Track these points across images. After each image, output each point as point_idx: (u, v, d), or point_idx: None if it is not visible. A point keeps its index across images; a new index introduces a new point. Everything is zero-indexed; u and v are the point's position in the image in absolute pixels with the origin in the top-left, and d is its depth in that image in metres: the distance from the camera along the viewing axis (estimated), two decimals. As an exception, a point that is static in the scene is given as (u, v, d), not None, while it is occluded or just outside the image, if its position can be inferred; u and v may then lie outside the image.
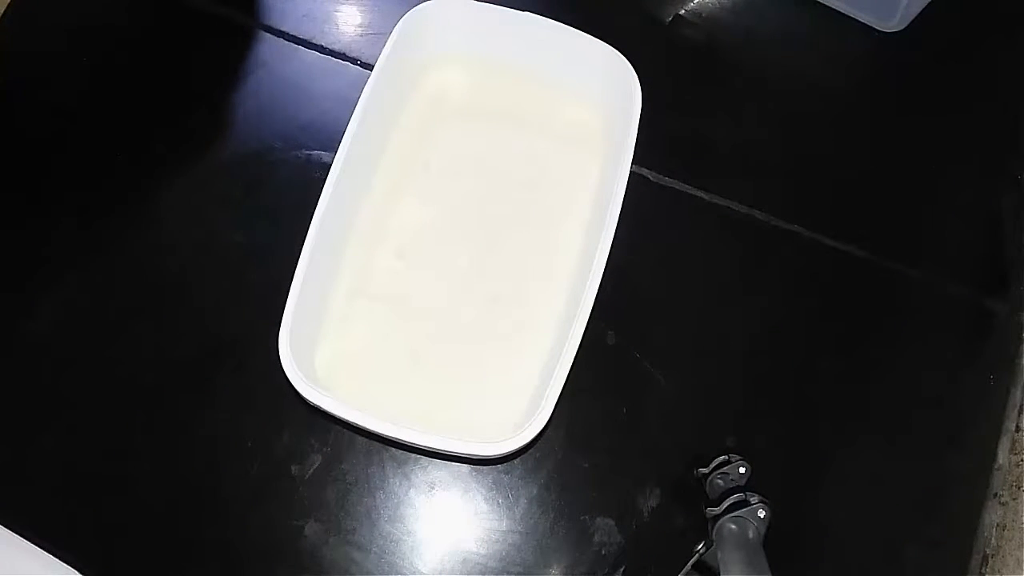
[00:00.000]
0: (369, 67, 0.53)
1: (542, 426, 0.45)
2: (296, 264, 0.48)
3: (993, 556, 0.52)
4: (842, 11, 0.64)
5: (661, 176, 0.60)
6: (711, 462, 0.51)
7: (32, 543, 0.48)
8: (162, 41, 0.63)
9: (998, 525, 0.53)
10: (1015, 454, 0.54)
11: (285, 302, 0.47)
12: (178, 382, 0.54)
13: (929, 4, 0.61)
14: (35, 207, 0.58)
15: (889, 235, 0.59)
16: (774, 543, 0.47)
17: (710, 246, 0.58)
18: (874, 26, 0.64)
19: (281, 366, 0.46)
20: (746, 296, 0.57)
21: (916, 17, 0.62)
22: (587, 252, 0.52)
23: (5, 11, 0.64)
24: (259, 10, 0.64)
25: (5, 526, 0.48)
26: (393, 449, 0.52)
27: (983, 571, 0.52)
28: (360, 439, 0.52)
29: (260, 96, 0.61)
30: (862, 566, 0.52)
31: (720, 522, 0.47)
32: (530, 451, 0.52)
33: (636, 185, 0.51)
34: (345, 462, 0.52)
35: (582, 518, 0.51)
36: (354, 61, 0.62)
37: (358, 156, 0.52)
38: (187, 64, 0.62)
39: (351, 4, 0.65)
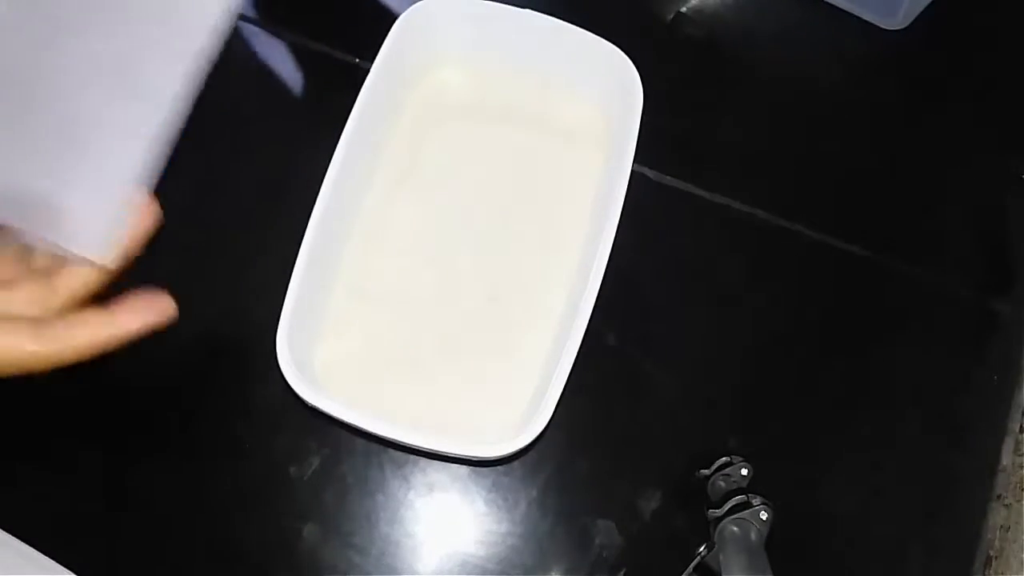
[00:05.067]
0: (368, 65, 0.53)
1: (542, 427, 0.45)
2: (294, 264, 0.48)
3: (996, 558, 0.52)
4: (844, 9, 0.64)
5: (662, 175, 0.59)
6: (713, 463, 0.50)
7: (27, 544, 0.47)
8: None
9: (1001, 527, 0.52)
10: (1019, 455, 0.54)
11: (283, 302, 0.47)
12: (174, 382, 0.53)
13: (932, 2, 0.60)
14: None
15: (891, 234, 0.59)
16: (776, 545, 0.46)
17: (711, 245, 0.58)
18: (877, 24, 0.63)
19: (279, 366, 0.45)
20: (748, 296, 0.57)
21: (919, 15, 0.62)
22: (588, 251, 0.51)
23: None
24: (255, 7, 0.64)
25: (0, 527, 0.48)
26: (392, 451, 0.52)
27: (986, 573, 0.52)
28: (359, 440, 0.52)
29: (258, 95, 0.61)
30: (864, 568, 0.52)
31: (722, 524, 0.47)
32: (530, 452, 0.52)
33: (637, 184, 0.50)
34: (344, 463, 0.52)
35: (582, 520, 0.51)
36: (353, 59, 0.62)
37: (356, 155, 0.52)
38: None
39: (349, 1, 0.65)
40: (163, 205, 0.55)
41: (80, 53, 0.41)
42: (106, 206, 0.40)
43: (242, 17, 0.63)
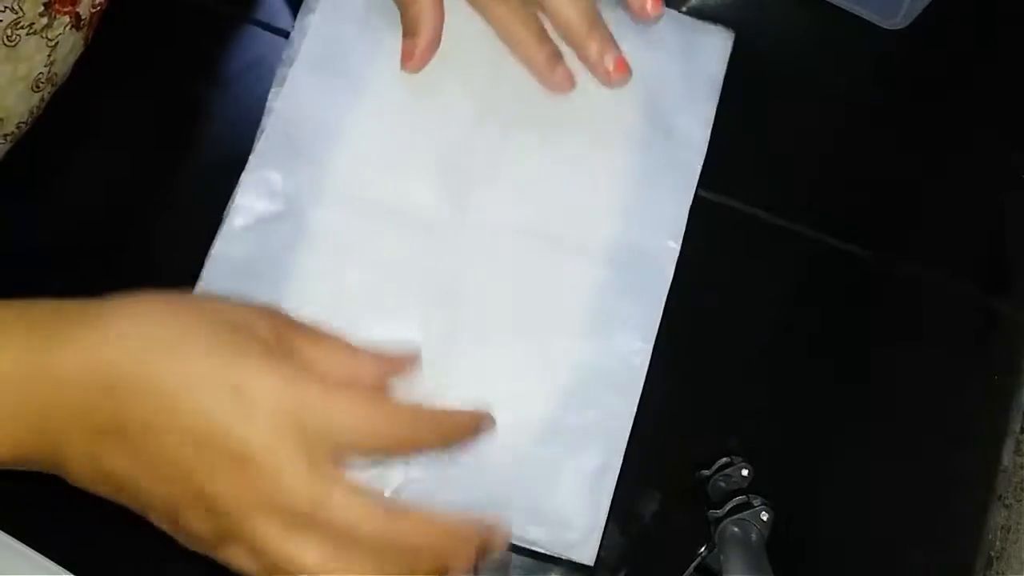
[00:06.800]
0: (367, 63, 0.52)
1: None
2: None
3: (997, 559, 0.52)
4: (845, 8, 0.63)
5: (662, 174, 0.59)
6: (713, 464, 0.50)
7: (23, 543, 0.47)
8: (154, 35, 0.63)
9: (1002, 527, 0.52)
10: (1020, 456, 0.53)
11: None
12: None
13: (933, 1, 0.60)
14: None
15: (891, 234, 0.59)
16: (777, 546, 0.46)
17: (712, 245, 0.58)
18: (877, 23, 0.63)
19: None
20: (747, 295, 0.57)
21: (920, 14, 0.62)
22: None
23: None
24: (254, 5, 0.63)
25: (-4, 527, 0.48)
26: (391, 450, 0.52)
27: (987, 574, 0.52)
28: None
29: (253, 95, 0.60)
30: (864, 568, 0.52)
31: (723, 524, 0.47)
32: (530, 453, 0.52)
33: (637, 183, 0.50)
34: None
35: (582, 520, 0.51)
36: (352, 57, 0.62)
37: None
38: (177, 60, 0.62)
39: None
40: (151, 207, 0.54)
41: None
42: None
43: (249, 20, 0.63)
